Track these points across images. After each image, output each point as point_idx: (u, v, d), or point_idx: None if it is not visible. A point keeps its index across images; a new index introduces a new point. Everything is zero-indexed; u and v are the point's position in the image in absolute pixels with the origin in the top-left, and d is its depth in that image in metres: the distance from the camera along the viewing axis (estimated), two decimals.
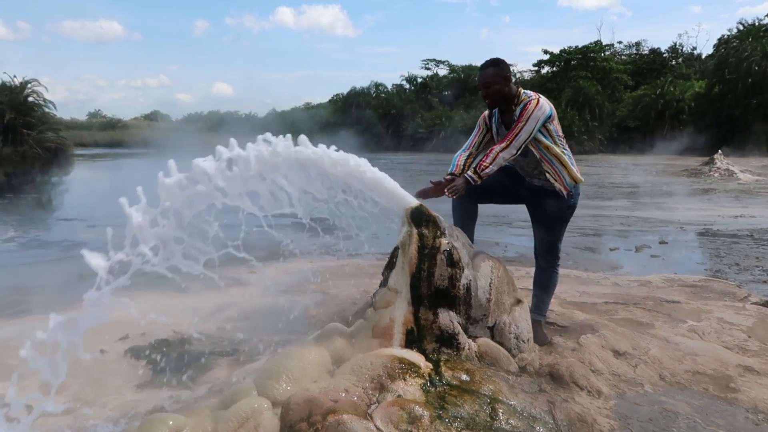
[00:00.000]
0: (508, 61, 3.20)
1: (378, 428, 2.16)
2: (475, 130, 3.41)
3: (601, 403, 2.74)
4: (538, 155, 3.15)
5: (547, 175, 3.17)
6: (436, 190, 3.15)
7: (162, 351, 3.68)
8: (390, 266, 3.10)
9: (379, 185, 2.90)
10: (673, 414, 2.68)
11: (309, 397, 2.26)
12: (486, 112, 3.36)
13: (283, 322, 4.04)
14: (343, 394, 2.33)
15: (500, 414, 2.43)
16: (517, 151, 3.04)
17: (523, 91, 3.15)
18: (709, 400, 2.85)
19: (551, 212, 3.25)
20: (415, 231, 2.93)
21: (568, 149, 3.25)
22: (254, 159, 2.51)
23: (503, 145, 3.02)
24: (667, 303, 4.50)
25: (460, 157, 3.33)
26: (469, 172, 3.04)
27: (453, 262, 2.90)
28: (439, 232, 2.95)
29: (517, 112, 3.08)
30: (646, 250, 8.11)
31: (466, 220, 3.34)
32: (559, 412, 2.58)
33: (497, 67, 3.13)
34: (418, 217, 2.97)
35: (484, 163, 3.02)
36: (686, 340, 3.57)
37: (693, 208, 12.66)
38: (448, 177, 3.20)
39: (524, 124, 3.02)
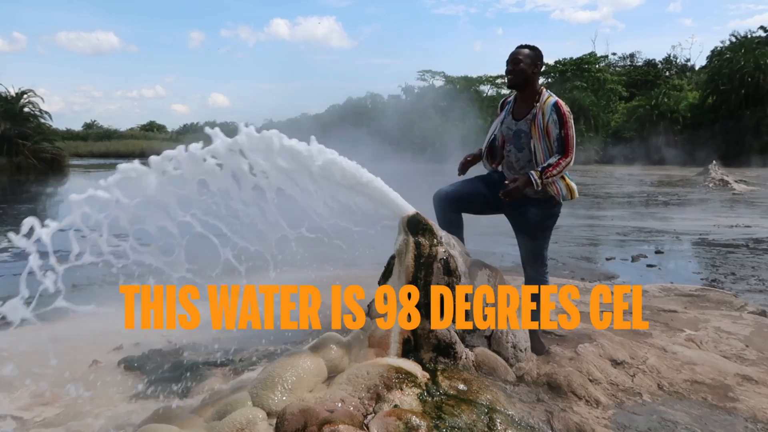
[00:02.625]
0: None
1: None
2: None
3: (599, 412, 2.72)
4: (541, 158, 3.11)
5: None
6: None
7: (156, 361, 3.65)
8: (386, 275, 3.08)
9: (375, 190, 2.88)
10: (672, 424, 2.65)
11: (304, 407, 2.23)
12: (501, 102, 3.40)
13: (279, 331, 4.01)
14: (339, 405, 2.30)
15: (498, 424, 2.40)
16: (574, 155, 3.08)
17: (545, 89, 3.14)
18: (708, 409, 2.83)
19: (533, 220, 3.21)
20: (411, 239, 2.91)
21: None
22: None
23: (568, 159, 3.04)
24: (664, 312, 4.49)
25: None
26: (535, 175, 2.99)
27: (450, 271, 2.88)
28: (435, 241, 2.93)
29: (547, 111, 3.05)
30: (643, 259, 8.11)
31: (453, 229, 3.31)
32: (557, 422, 2.55)
33: (533, 50, 3.13)
34: (415, 226, 2.95)
35: (552, 172, 3.00)
36: (684, 350, 3.56)
37: (688, 217, 12.70)
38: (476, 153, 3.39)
39: (572, 129, 3.05)
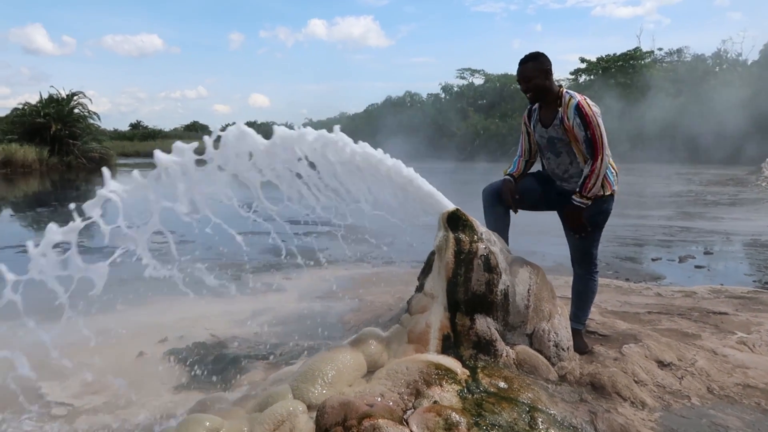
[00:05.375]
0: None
1: None
2: (521, 136, 3.36)
3: (645, 414, 2.64)
4: (581, 159, 3.06)
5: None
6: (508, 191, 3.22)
7: (199, 354, 3.73)
8: (426, 271, 3.07)
9: (415, 187, 2.87)
10: (723, 428, 2.56)
11: (344, 401, 2.24)
12: (525, 114, 3.31)
13: (319, 327, 4.05)
14: (379, 399, 2.30)
15: (540, 423, 2.36)
16: (607, 152, 2.99)
17: (565, 90, 3.07)
18: (761, 414, 2.72)
19: (583, 217, 3.15)
20: (451, 235, 2.89)
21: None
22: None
23: (599, 160, 2.95)
24: (714, 314, 4.33)
25: (519, 160, 3.35)
26: (578, 199, 2.99)
27: (490, 267, 2.85)
28: (476, 237, 2.90)
29: (571, 115, 2.98)
30: (690, 260, 7.84)
31: (499, 225, 3.26)
32: (601, 422, 2.49)
33: (536, 60, 3.06)
34: (455, 222, 2.93)
35: (590, 185, 2.96)
36: (735, 353, 3.42)
37: (740, 218, 12.22)
38: (507, 177, 3.27)
39: (598, 128, 2.95)
